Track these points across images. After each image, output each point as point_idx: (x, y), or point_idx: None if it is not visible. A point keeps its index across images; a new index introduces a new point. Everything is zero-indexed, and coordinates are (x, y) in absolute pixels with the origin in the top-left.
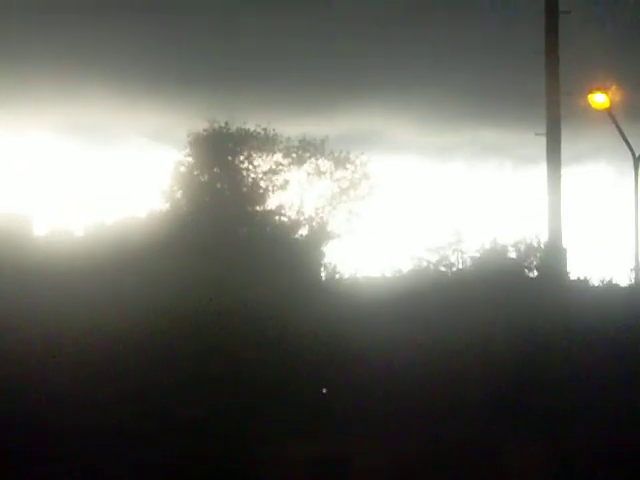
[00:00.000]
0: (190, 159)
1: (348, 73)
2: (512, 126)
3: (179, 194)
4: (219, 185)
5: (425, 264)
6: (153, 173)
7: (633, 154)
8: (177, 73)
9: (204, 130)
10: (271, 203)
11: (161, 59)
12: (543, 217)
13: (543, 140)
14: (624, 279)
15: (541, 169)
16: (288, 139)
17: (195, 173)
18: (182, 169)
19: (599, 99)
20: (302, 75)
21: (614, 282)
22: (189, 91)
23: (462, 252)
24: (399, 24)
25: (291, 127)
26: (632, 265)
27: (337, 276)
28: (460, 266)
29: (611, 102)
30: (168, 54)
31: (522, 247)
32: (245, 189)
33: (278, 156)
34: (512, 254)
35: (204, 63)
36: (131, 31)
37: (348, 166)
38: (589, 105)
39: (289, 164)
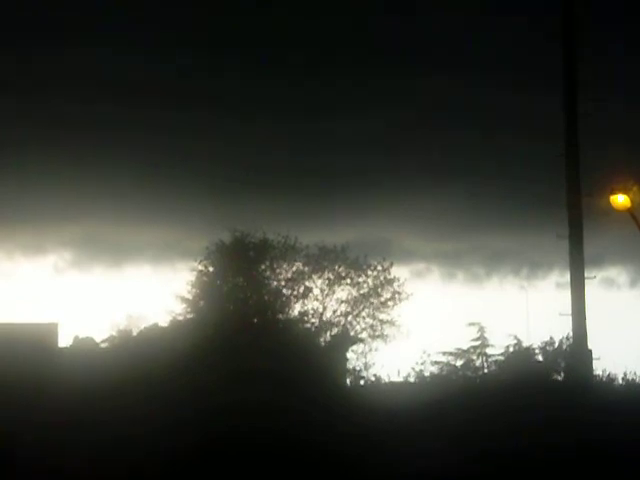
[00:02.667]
0: (212, 269)
1: (361, 185)
2: (529, 230)
3: (202, 303)
4: (242, 294)
5: (449, 368)
6: (176, 283)
7: None
8: (194, 185)
9: (225, 240)
10: (294, 310)
11: (179, 172)
12: (567, 319)
13: (564, 244)
14: None
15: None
16: (307, 247)
17: (218, 283)
18: (205, 279)
19: (620, 200)
20: (317, 187)
21: (638, 381)
22: (206, 202)
23: (487, 355)
24: (412, 131)
25: (308, 235)
26: None
27: (362, 381)
28: (485, 370)
29: (632, 203)
30: (186, 166)
31: (549, 349)
32: (267, 298)
33: (299, 264)
34: (539, 357)
35: (220, 176)
36: (146, 141)
37: (369, 272)
38: (610, 206)
39: (310, 272)
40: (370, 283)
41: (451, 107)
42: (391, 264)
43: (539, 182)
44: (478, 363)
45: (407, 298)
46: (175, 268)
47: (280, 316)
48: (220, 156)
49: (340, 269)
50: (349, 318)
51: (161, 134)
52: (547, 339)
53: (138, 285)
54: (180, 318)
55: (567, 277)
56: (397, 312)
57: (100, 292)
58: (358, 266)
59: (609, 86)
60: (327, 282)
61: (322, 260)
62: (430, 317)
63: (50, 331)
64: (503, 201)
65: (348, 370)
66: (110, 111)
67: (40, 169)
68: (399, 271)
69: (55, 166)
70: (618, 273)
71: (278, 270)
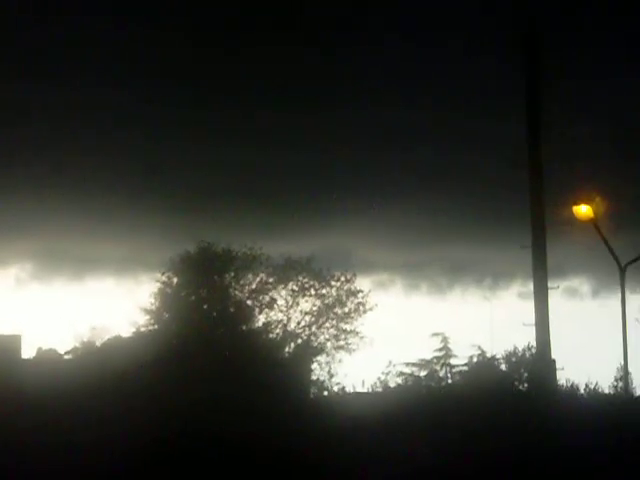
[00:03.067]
0: (176, 279)
1: (324, 195)
2: (492, 241)
3: (166, 315)
4: (206, 305)
5: (413, 379)
6: (139, 295)
7: (619, 265)
8: (158, 196)
9: (190, 251)
10: (257, 322)
11: (142, 183)
12: (530, 329)
13: (526, 253)
14: (609, 387)
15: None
16: (269, 258)
17: (182, 294)
18: (168, 290)
19: (583, 210)
20: (283, 198)
21: (600, 390)
22: (169, 213)
23: (451, 366)
24: (377, 148)
25: (272, 246)
26: (619, 374)
27: (325, 392)
28: (449, 380)
29: (595, 214)
30: (150, 177)
31: (513, 359)
32: (232, 309)
33: (263, 275)
34: (502, 366)
35: (185, 187)
36: (108, 152)
37: (333, 283)
38: (573, 217)
39: (275, 282)
40: (334, 294)
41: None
42: (354, 275)
43: (502, 193)
44: (442, 373)
45: (371, 309)
46: (138, 280)
47: (244, 327)
48: (185, 166)
49: (305, 280)
50: (313, 329)
51: (123, 144)
52: (510, 349)
53: (101, 297)
54: (143, 329)
55: (530, 287)
56: (361, 322)
57: (62, 304)
58: (322, 277)
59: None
60: (291, 293)
61: (287, 271)
62: (394, 328)
63: (13, 342)
64: (466, 213)
65: (312, 381)
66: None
67: None
68: (362, 282)
69: (14, 178)
70: (581, 283)
71: (242, 281)
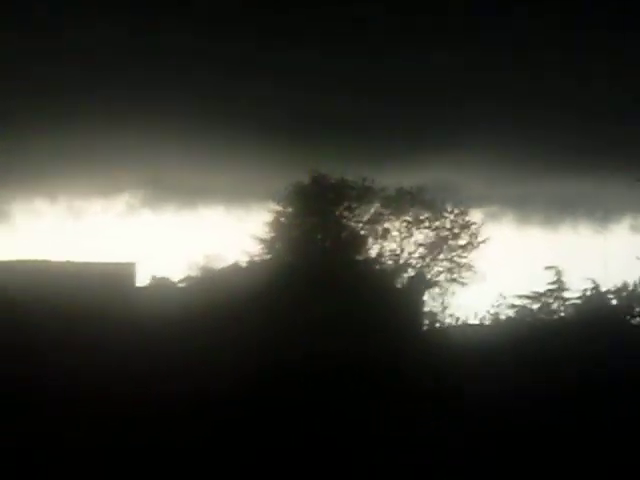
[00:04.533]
0: (290, 210)
1: (436, 129)
2: (605, 173)
3: (279, 244)
4: (319, 235)
5: (525, 311)
6: (250, 224)
7: None
8: (275, 127)
9: (304, 182)
10: (371, 252)
11: (258, 115)
12: None
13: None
14: None
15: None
16: (384, 189)
17: (295, 223)
18: (282, 220)
19: None
20: (397, 128)
21: None
22: (285, 144)
23: (564, 299)
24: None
25: (383, 177)
26: None
27: (437, 324)
28: (562, 314)
29: None
30: (264, 106)
31: (624, 294)
32: (345, 239)
33: (377, 206)
34: (613, 301)
35: (301, 118)
36: (220, 79)
37: (446, 215)
38: None
39: (388, 214)
40: (447, 226)
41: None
42: (467, 208)
43: (619, 125)
44: (555, 306)
45: (483, 242)
46: (248, 209)
47: (358, 257)
48: (299, 97)
49: (418, 212)
50: (426, 260)
51: (238, 72)
52: (621, 284)
53: (212, 226)
54: (256, 259)
55: None
56: (473, 255)
57: (175, 233)
58: (435, 208)
59: None
60: (405, 224)
61: (400, 202)
62: (506, 261)
63: (128, 270)
64: (580, 144)
65: (424, 312)
66: (187, 49)
67: (111, 111)
68: (473, 215)
69: (126, 107)
70: None
71: (357, 211)
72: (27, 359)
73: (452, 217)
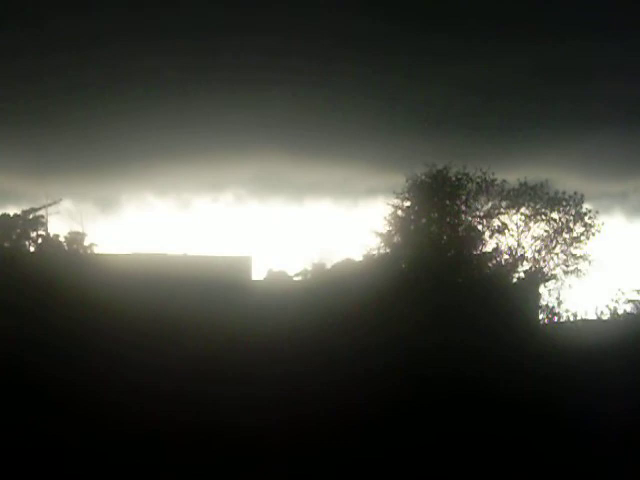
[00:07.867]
0: (408, 203)
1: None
2: None
3: (396, 238)
4: (436, 229)
5: None
6: (367, 218)
7: None
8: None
9: (420, 175)
10: (488, 246)
11: (374, 108)
12: None
13: None
14: None
15: None
16: (504, 182)
17: (412, 217)
18: (400, 213)
19: None
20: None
21: None
22: (401, 138)
23: None
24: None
25: (503, 171)
26: None
27: (555, 319)
28: None
29: None
30: (380, 99)
31: None
32: (462, 233)
33: (496, 201)
34: None
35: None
36: (333, 73)
37: (564, 203)
38: None
39: (507, 207)
40: (562, 218)
41: None
42: (582, 197)
43: None
44: None
45: (599, 231)
46: (358, 204)
47: (474, 252)
48: (417, 92)
49: (538, 206)
50: (543, 254)
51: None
52: None
53: (324, 220)
54: (374, 253)
55: None
56: (589, 247)
57: (288, 227)
58: (556, 200)
59: None
60: (523, 218)
61: (521, 196)
62: (622, 253)
63: (244, 263)
64: None
65: (541, 307)
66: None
67: (217, 108)
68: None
69: (234, 104)
70: None
71: (476, 205)
72: (149, 350)
73: (567, 208)
